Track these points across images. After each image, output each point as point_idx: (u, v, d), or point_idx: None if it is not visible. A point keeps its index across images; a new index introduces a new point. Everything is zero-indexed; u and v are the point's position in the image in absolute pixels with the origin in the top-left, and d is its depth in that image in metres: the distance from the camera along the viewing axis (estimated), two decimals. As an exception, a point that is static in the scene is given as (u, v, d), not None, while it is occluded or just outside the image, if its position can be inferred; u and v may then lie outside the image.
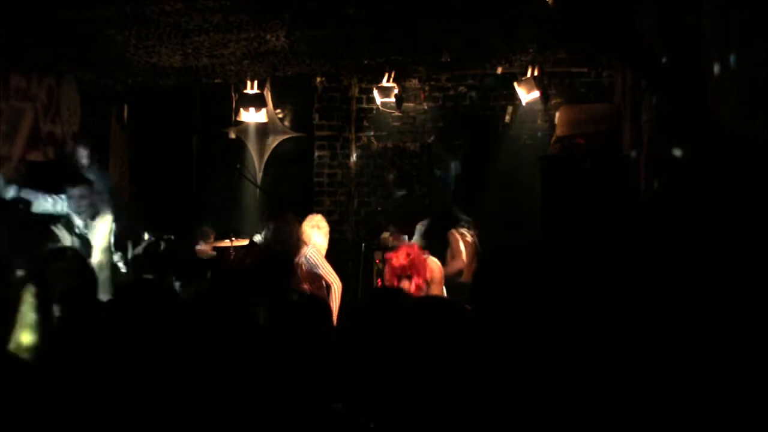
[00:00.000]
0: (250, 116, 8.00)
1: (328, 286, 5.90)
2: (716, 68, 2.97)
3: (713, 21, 3.08)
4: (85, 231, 5.84)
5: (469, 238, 6.67)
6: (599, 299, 1.97)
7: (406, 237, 7.03)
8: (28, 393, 2.26)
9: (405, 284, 5.33)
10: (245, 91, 7.94)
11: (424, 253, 5.33)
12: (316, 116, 8.27)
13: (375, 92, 7.69)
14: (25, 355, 2.56)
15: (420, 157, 8.02)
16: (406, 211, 7.83)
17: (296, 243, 5.90)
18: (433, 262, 5.43)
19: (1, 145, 6.77)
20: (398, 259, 5.29)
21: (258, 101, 7.93)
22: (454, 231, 6.66)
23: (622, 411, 1.82)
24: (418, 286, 5.34)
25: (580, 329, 1.85)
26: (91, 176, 6.18)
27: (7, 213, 5.63)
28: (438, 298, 4.33)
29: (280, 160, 8.33)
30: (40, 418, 2.19)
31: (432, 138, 7.99)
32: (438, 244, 6.39)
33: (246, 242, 6.86)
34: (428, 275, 5.38)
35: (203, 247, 6.90)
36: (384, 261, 6.19)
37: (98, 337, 2.39)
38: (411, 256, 5.21)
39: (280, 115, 8.40)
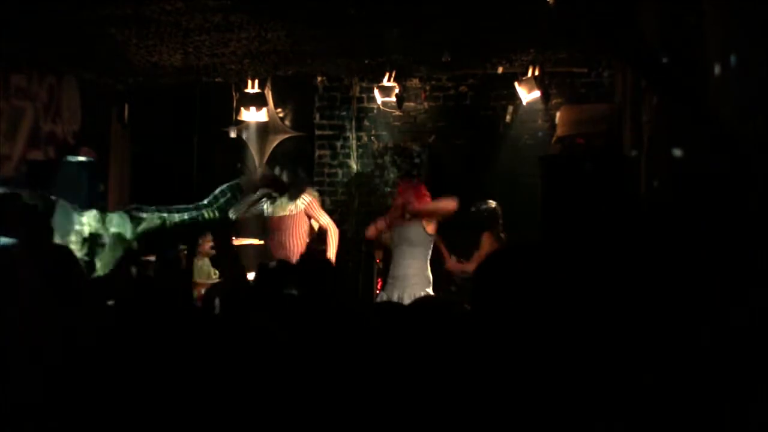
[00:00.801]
0: (251, 115, 8.00)
1: (324, 232, 6.36)
2: (716, 68, 2.97)
3: (713, 21, 3.08)
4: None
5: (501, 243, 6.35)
6: (599, 299, 1.97)
7: None
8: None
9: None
10: (246, 91, 7.94)
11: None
12: (317, 116, 8.27)
13: (376, 92, 7.69)
14: None
15: (420, 156, 8.02)
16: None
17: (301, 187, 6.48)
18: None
19: (2, 145, 6.78)
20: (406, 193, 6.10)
21: (259, 100, 7.93)
22: (490, 233, 6.36)
23: (623, 411, 1.82)
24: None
25: (579, 329, 1.85)
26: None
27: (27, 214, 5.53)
28: (438, 299, 4.34)
29: (281, 160, 8.32)
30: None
31: (432, 138, 7.98)
32: (468, 243, 6.33)
33: (249, 241, 6.88)
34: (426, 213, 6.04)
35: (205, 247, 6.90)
36: (383, 260, 6.29)
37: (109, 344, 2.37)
38: (416, 190, 6.06)
39: (281, 115, 8.40)
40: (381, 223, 6.19)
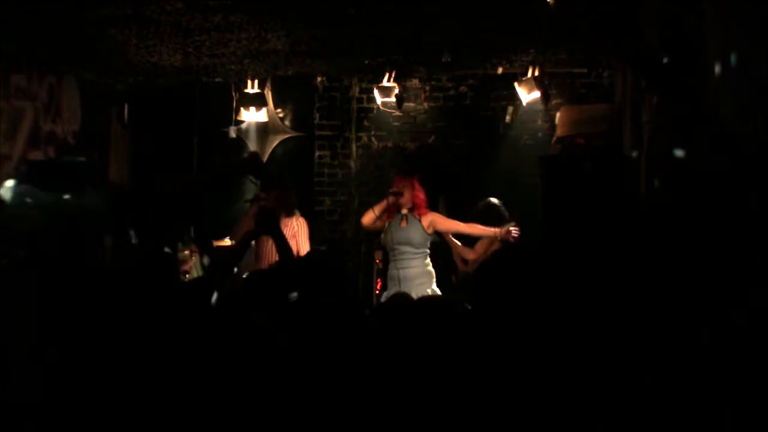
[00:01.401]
0: (251, 115, 8.00)
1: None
2: (716, 68, 2.97)
3: (713, 21, 3.09)
4: None
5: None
6: (599, 299, 1.97)
7: None
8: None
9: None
10: (246, 91, 7.94)
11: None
12: (317, 116, 8.26)
13: (375, 92, 7.69)
14: None
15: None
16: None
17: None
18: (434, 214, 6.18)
19: (2, 145, 6.78)
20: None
21: (258, 100, 7.93)
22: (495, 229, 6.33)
23: (623, 411, 1.83)
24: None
25: (579, 329, 1.85)
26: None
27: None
28: (440, 298, 4.34)
29: (281, 160, 8.32)
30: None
31: (432, 138, 7.98)
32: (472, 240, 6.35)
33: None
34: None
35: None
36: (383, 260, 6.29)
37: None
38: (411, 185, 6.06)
39: (281, 115, 8.39)
40: (378, 209, 6.18)
